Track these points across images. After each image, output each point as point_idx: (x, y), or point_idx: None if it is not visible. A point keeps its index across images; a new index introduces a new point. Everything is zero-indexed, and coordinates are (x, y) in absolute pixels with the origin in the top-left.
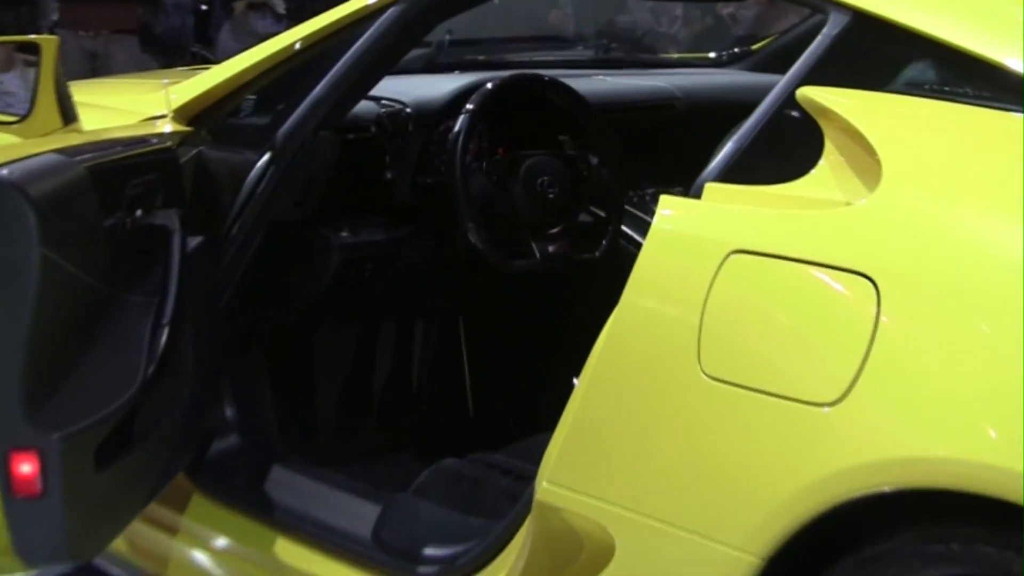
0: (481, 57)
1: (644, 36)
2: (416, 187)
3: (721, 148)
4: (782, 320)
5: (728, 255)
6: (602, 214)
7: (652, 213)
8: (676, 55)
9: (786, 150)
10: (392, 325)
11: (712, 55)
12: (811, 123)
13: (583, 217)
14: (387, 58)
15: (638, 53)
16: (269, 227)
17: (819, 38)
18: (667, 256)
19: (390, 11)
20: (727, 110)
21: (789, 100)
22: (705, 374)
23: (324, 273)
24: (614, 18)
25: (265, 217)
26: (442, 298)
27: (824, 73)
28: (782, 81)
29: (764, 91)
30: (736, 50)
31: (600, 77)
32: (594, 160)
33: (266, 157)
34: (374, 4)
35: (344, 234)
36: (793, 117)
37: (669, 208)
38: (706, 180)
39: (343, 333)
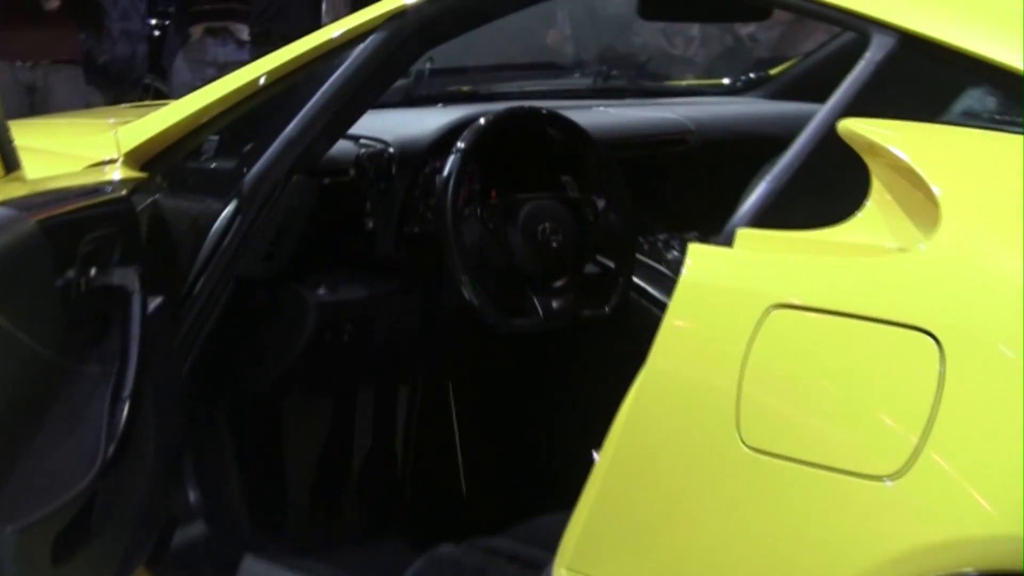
0: (466, 88)
1: (649, 61)
2: (401, 237)
3: (753, 189)
4: (832, 383)
5: (768, 310)
6: (611, 264)
7: (665, 262)
8: (684, 82)
9: (827, 190)
10: (374, 393)
11: (726, 81)
12: (855, 159)
13: (589, 268)
14: (368, 91)
15: (642, 80)
16: (236, 285)
17: (861, 64)
18: (699, 313)
19: (371, 38)
20: (747, 144)
21: (829, 134)
22: (746, 445)
23: (298, 336)
24: (615, 41)
25: (231, 273)
26: (431, 362)
27: (868, 103)
28: (821, 112)
29: (788, 122)
30: (752, 75)
31: (601, 108)
32: (600, 203)
33: (232, 206)
34: (352, 30)
35: (320, 292)
36: (834, 153)
37: (699, 258)
38: (738, 225)
39: (319, 403)
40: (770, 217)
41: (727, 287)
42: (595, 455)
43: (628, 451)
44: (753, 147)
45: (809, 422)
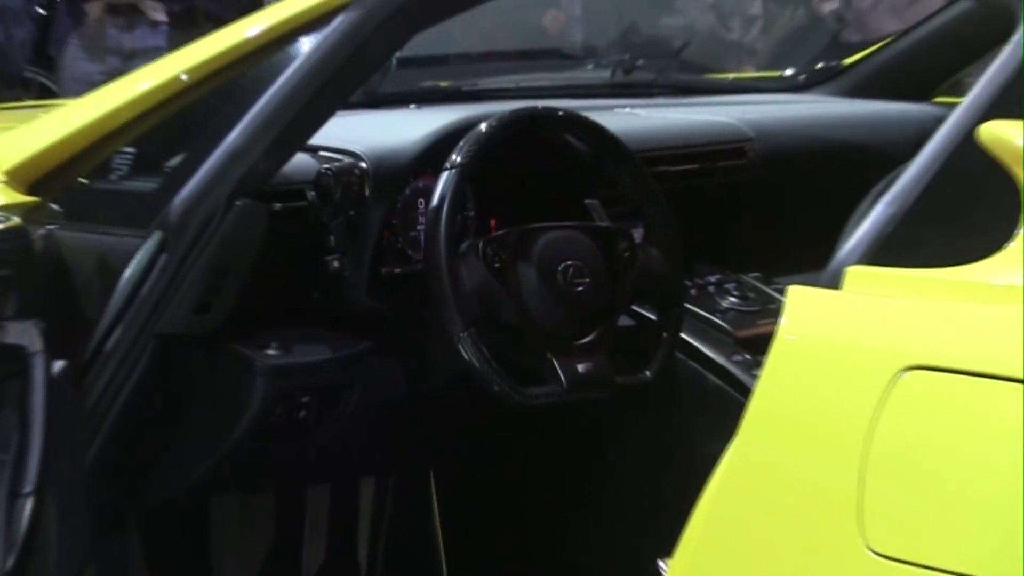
0: (445, 84)
1: (685, 47)
2: (376, 281)
3: (865, 215)
4: (985, 470)
5: (898, 374)
6: (652, 316)
7: (720, 312)
8: (731, 75)
9: (965, 215)
10: (334, 488)
11: (787, 73)
12: (1002, 175)
13: (625, 320)
14: (334, 90)
15: (677, 73)
16: (159, 344)
17: (1008, 49)
18: (804, 378)
19: (338, 20)
20: (823, 157)
21: (967, 141)
22: (871, 550)
23: (239, 412)
24: (640, 22)
25: (152, 329)
26: (413, 447)
27: (1018, 102)
28: (953, 116)
29: (875, 127)
30: (819, 66)
31: (627, 110)
32: (638, 235)
33: (154, 240)
34: (313, 8)
35: (270, 353)
36: (974, 167)
37: (801, 305)
38: (847, 263)
39: (262, 502)
40: (890, 251)
41: (842, 343)
42: (662, 565)
43: (709, 563)
44: (832, 160)
45: (957, 520)
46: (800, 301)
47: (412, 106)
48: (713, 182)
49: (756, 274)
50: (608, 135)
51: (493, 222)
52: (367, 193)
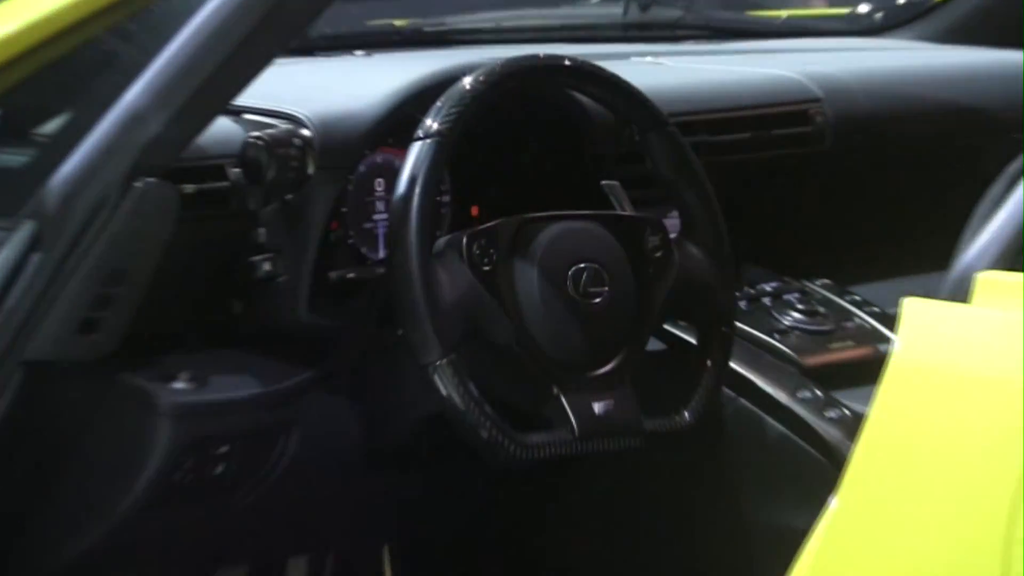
0: (400, 23)
1: None
2: (322, 289)
3: (996, 202)
4: None
5: None
6: (691, 339)
7: (779, 332)
8: (786, 12)
9: None
10: (257, 567)
11: (861, 10)
12: None
13: (655, 343)
14: (272, 29)
15: (710, 9)
16: (27, 374)
17: None
18: (930, 415)
19: None
20: (913, 123)
21: None
22: None
23: (136, 467)
24: None
25: (19, 355)
26: (364, 513)
27: None
28: None
29: (981, 83)
30: (900, 1)
31: (649, 59)
32: (673, 227)
33: (23, 233)
34: None
35: (179, 386)
36: None
37: (922, 322)
38: (976, 268)
39: None
40: None
41: (976, 371)
42: None
43: None
44: (923, 127)
45: None
46: (919, 318)
47: (358, 52)
48: (767, 157)
49: (825, 281)
50: (634, 93)
51: (476, 210)
52: (310, 171)
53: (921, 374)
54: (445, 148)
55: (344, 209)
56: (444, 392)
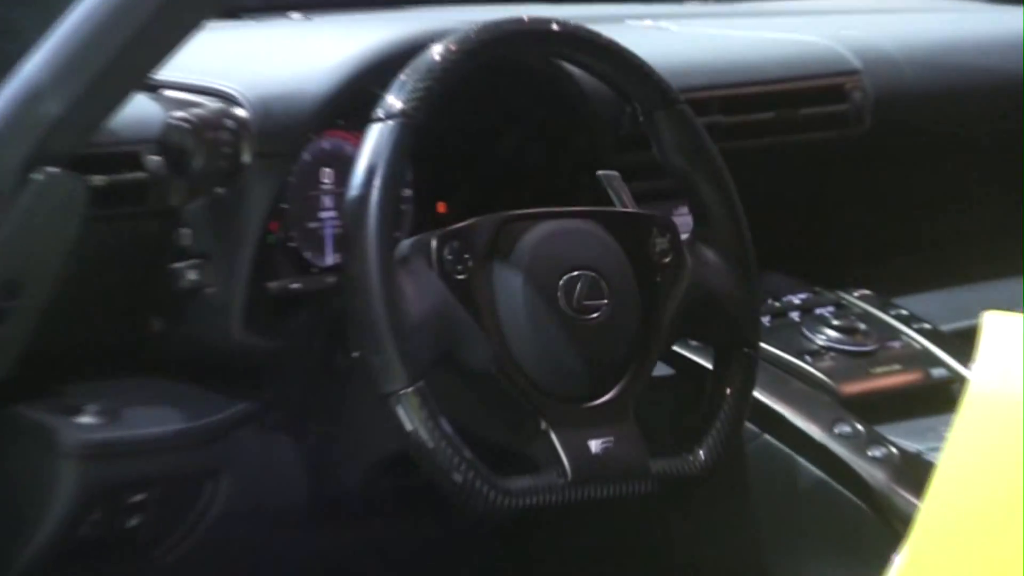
0: None
1: None
2: (259, 303)
3: None
4: None
5: None
6: (705, 363)
7: (809, 353)
8: None
9: None
10: None
11: None
12: None
13: (662, 368)
14: None
15: None
16: None
17: None
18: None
19: None
20: (968, 103)
21: None
22: None
23: (33, 519)
24: None
25: None
26: (307, 574)
27: None
28: None
29: None
30: None
31: (648, 23)
32: (684, 226)
33: None
34: None
35: (86, 420)
36: None
37: (1008, 339)
38: None
39: None
40: None
41: None
42: None
43: None
44: (981, 107)
45: None
46: (1003, 335)
47: (294, 15)
48: (794, 142)
49: (864, 291)
50: (638, 63)
51: (443, 207)
52: (245, 159)
53: (1005, 403)
54: (410, 132)
55: (286, 205)
56: (410, 427)
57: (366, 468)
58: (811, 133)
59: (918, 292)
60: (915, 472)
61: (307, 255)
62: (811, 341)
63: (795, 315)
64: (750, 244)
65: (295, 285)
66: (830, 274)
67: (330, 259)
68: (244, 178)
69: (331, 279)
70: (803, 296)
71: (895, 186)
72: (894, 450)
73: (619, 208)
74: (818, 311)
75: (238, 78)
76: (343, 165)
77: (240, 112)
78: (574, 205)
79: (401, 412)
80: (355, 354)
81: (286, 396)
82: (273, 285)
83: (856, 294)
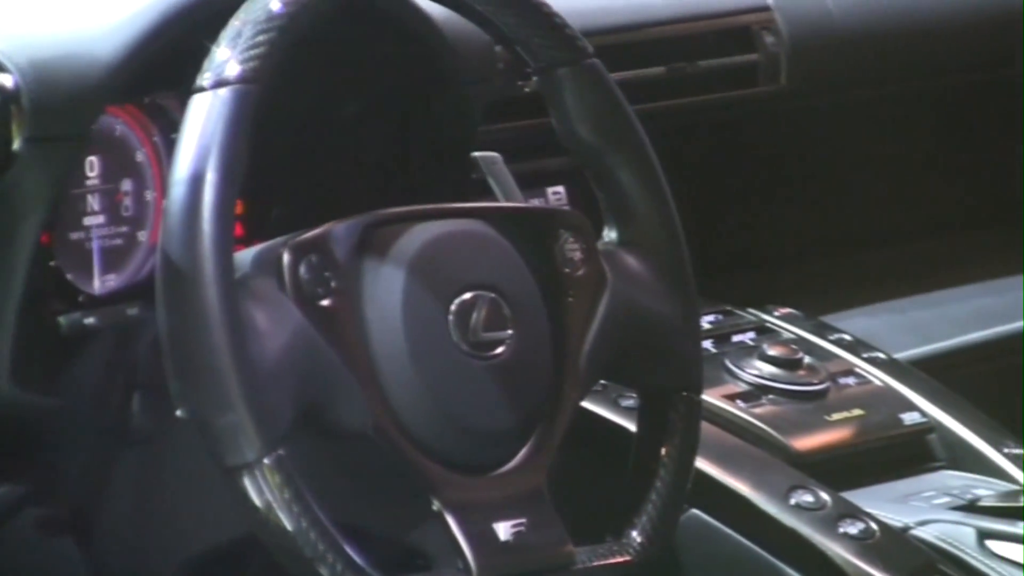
0: None
1: None
2: (37, 345)
3: None
4: None
5: None
6: (622, 421)
7: (739, 396)
8: None
9: None
10: None
11: None
12: None
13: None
14: None
15: None
16: None
17: None
18: None
19: None
20: (913, 54)
21: None
22: None
23: None
24: None
25: None
26: None
27: None
28: None
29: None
30: None
31: None
32: (610, 230)
33: None
34: None
35: None
36: None
37: None
38: None
39: None
40: None
41: None
42: None
43: None
44: (933, 55)
45: None
46: None
47: None
48: (687, 106)
49: (787, 310)
50: (536, 3)
51: (239, 206)
52: (15, 146)
53: None
54: (251, 102)
55: (61, 207)
56: (262, 508)
57: (189, 567)
58: (708, 93)
59: (848, 308)
60: (904, 556)
61: (70, 277)
62: (738, 379)
63: (708, 344)
64: (686, 251)
65: (90, 320)
66: (736, 286)
67: (97, 285)
68: (14, 172)
69: (134, 311)
70: (712, 318)
71: (818, 162)
72: (873, 525)
73: (513, 203)
74: (737, 338)
75: (4, 38)
76: (113, 153)
77: (5, 82)
78: (434, 197)
79: (251, 490)
80: (180, 413)
81: (67, 474)
82: (64, 320)
83: (777, 313)
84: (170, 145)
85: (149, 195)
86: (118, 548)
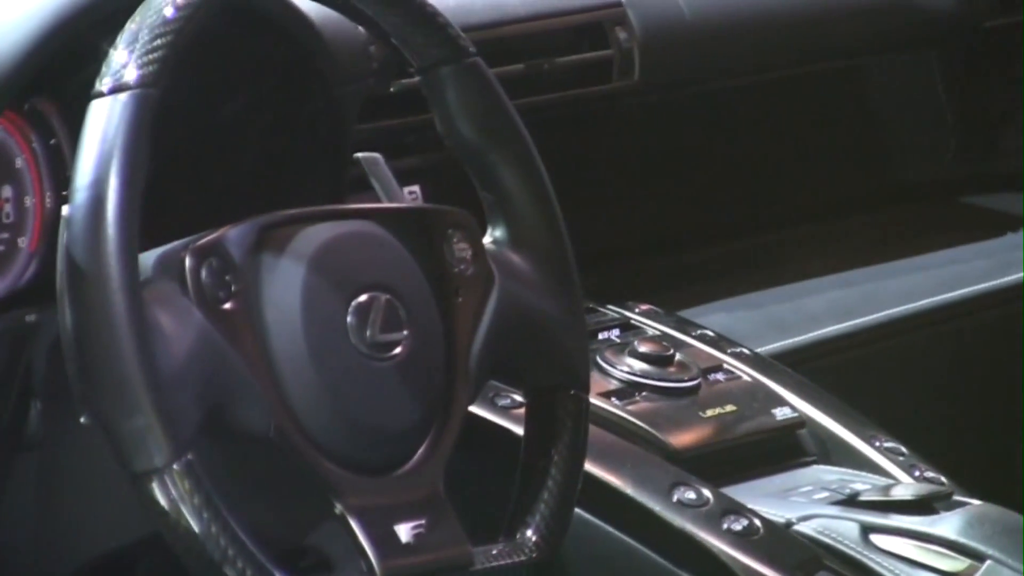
0: None
1: None
2: None
3: None
4: None
5: None
6: (504, 423)
7: (613, 394)
8: None
9: None
10: None
11: None
12: None
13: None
14: None
15: None
16: None
17: None
18: None
19: None
20: (770, 42)
21: None
22: None
23: None
24: None
25: None
26: None
27: None
28: None
29: None
30: None
31: None
32: (497, 230)
33: None
34: None
35: None
36: None
37: None
38: None
39: None
40: None
41: None
42: None
43: None
44: (791, 49)
45: None
46: None
47: None
48: (541, 104)
49: (648, 307)
50: (419, 3)
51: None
52: None
53: None
54: (151, 106)
55: None
56: (171, 513)
57: (82, 574)
58: (561, 91)
59: (703, 303)
60: (789, 551)
61: None
62: (610, 376)
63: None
64: (570, 248)
65: None
66: (593, 280)
67: (26, 282)
68: None
69: (31, 318)
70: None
71: (673, 159)
72: (756, 521)
73: (404, 204)
74: (603, 335)
75: None
76: (34, 163)
77: None
78: (314, 197)
79: (159, 496)
80: (84, 419)
81: None
82: None
83: (638, 309)
84: (49, 151)
85: (29, 201)
86: (13, 552)
